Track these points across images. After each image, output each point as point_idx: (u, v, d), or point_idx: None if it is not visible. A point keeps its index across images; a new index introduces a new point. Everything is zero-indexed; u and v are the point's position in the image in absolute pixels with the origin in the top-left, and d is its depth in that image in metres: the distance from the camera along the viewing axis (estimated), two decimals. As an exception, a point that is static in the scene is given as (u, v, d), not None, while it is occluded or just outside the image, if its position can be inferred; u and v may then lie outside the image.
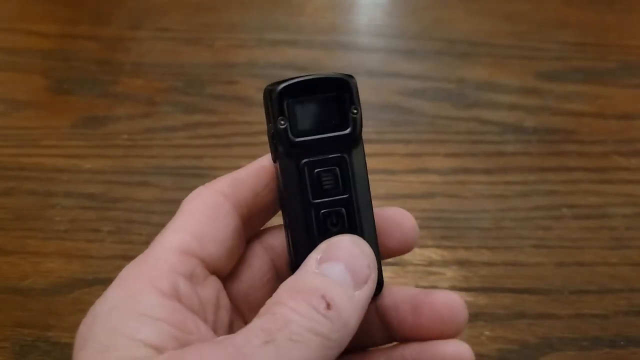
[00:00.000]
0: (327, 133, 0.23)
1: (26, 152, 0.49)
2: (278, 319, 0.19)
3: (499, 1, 0.66)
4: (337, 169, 0.24)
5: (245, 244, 0.25)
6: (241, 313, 0.25)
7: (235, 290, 0.25)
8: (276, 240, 0.26)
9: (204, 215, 0.23)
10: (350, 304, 0.21)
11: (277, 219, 0.26)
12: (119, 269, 0.41)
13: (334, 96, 0.23)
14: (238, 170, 0.25)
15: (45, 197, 0.46)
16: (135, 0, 0.67)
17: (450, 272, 0.40)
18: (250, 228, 0.25)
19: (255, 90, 0.55)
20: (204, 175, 0.46)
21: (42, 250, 0.42)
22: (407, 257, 0.41)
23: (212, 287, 0.23)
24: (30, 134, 0.51)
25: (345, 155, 0.24)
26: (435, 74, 0.57)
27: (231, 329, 0.23)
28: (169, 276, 0.21)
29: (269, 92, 0.23)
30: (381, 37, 0.63)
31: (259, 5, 0.65)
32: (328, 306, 0.20)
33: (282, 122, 0.23)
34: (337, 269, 0.21)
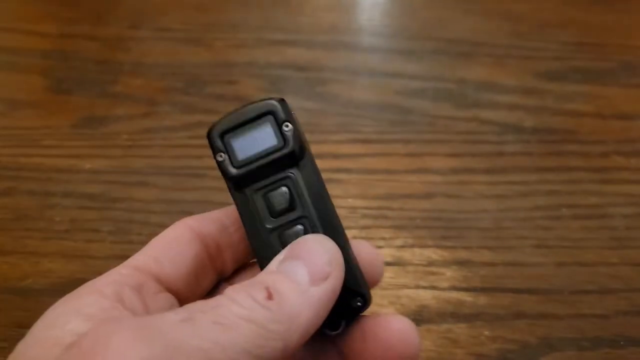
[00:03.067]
0: (267, 157, 0.24)
1: (26, 152, 0.49)
2: (208, 303, 0.19)
3: (499, 1, 0.66)
4: (285, 188, 0.24)
5: (217, 280, 0.26)
6: None
7: None
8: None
9: (164, 241, 0.24)
10: (300, 297, 0.20)
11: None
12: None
13: (264, 121, 0.24)
14: (211, 211, 0.26)
15: (45, 197, 0.46)
16: (135, 0, 0.67)
17: (450, 272, 0.40)
18: (221, 263, 0.26)
19: (255, 90, 0.55)
20: (203, 175, 0.46)
21: (42, 251, 0.42)
22: (407, 257, 0.41)
23: (164, 302, 0.23)
24: (30, 134, 0.51)
25: (291, 173, 0.24)
26: (435, 74, 0.57)
27: None
28: (114, 284, 0.22)
29: (207, 134, 0.24)
30: (381, 37, 0.63)
31: (258, 5, 0.65)
32: (269, 296, 0.19)
33: (221, 157, 0.24)
34: (294, 265, 0.21)
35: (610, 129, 0.51)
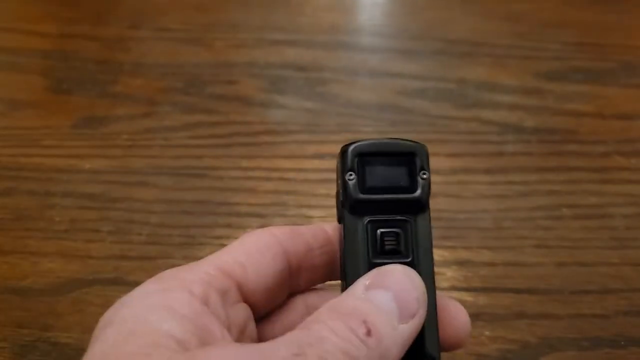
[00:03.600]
0: (394, 194, 0.23)
1: (26, 152, 0.49)
2: (312, 334, 0.19)
3: (499, 1, 0.66)
4: (401, 231, 0.23)
5: (287, 295, 0.25)
6: None
7: (265, 333, 0.24)
8: (321, 302, 0.25)
9: (253, 248, 0.24)
10: (392, 335, 0.20)
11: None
12: (118, 269, 0.41)
13: (404, 160, 0.24)
14: (298, 225, 0.25)
15: (44, 197, 0.45)
16: (135, 0, 0.67)
17: (450, 272, 0.40)
18: (296, 281, 0.25)
19: (255, 90, 0.55)
20: (203, 175, 0.46)
21: (42, 250, 0.42)
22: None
23: (242, 312, 0.23)
24: (30, 134, 0.51)
25: (411, 219, 0.24)
26: (436, 74, 0.57)
27: None
28: (203, 284, 0.21)
29: (342, 151, 0.24)
30: (381, 37, 0.63)
31: (258, 5, 0.65)
32: (368, 332, 0.19)
33: (351, 177, 0.23)
34: (384, 296, 0.21)
35: (611, 129, 0.51)
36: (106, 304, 0.40)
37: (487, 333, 0.37)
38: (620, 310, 0.38)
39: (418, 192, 0.24)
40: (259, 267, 0.23)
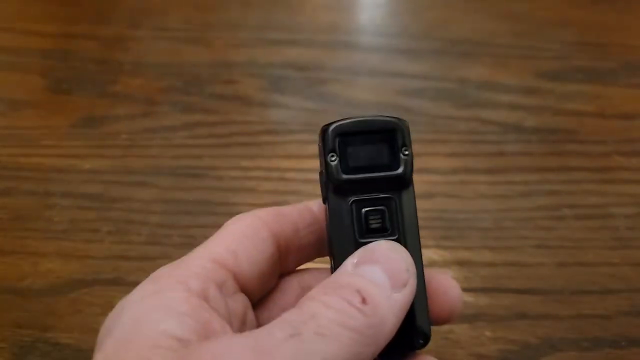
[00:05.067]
0: (377, 172, 0.23)
1: (25, 152, 0.49)
2: (304, 312, 0.19)
3: (499, 1, 0.66)
4: (386, 209, 0.23)
5: (278, 278, 0.25)
6: None
7: (262, 318, 0.24)
8: (315, 281, 0.25)
9: (241, 235, 0.23)
10: (388, 303, 0.20)
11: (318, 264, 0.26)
12: (118, 269, 0.41)
13: (386, 137, 0.23)
14: (283, 206, 0.25)
15: (44, 197, 0.45)
16: (135, 0, 0.67)
17: (450, 272, 0.40)
18: (285, 263, 0.25)
19: (254, 90, 0.55)
20: (203, 175, 0.46)
21: (41, 251, 0.42)
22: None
23: (240, 303, 0.23)
24: (29, 134, 0.51)
25: (395, 197, 0.23)
26: (436, 73, 0.57)
27: None
28: (200, 279, 0.21)
29: (323, 131, 0.23)
30: (381, 37, 0.63)
31: (258, 5, 0.65)
32: (364, 300, 0.19)
33: (333, 158, 0.23)
34: (374, 269, 0.21)
35: (611, 128, 0.51)
36: (106, 304, 0.40)
37: (487, 333, 0.37)
38: (621, 310, 0.38)
39: (401, 169, 0.23)
40: (250, 254, 0.23)
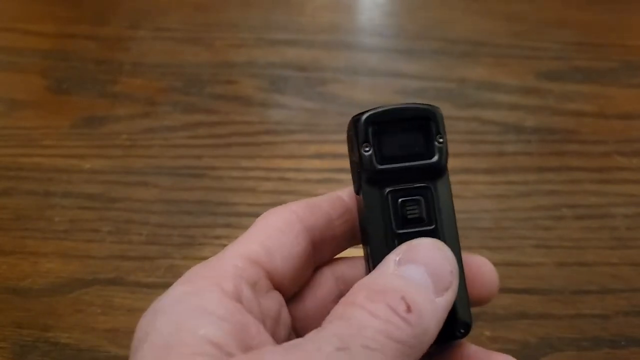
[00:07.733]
0: (412, 162, 0.23)
1: (25, 152, 0.49)
2: (352, 324, 0.18)
3: (499, 1, 0.66)
4: (422, 199, 0.23)
5: (313, 270, 0.25)
6: (299, 336, 0.24)
7: (297, 312, 0.24)
8: (349, 272, 0.25)
9: (275, 230, 0.23)
10: (431, 309, 0.19)
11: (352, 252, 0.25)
12: (118, 269, 0.41)
13: (419, 125, 0.23)
14: (314, 197, 0.25)
15: (44, 197, 0.45)
16: (135, 0, 0.67)
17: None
18: (319, 255, 0.25)
19: (254, 90, 0.55)
20: (203, 175, 0.46)
21: (41, 251, 0.42)
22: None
23: (274, 301, 0.22)
24: (30, 134, 0.51)
25: (431, 185, 0.23)
26: (435, 73, 0.57)
27: None
28: (234, 279, 0.21)
29: (354, 121, 0.23)
30: (381, 37, 0.63)
31: (258, 5, 0.65)
32: (408, 308, 0.19)
33: (367, 149, 0.22)
34: (417, 271, 0.20)
35: (611, 128, 0.51)
36: (106, 304, 0.40)
37: (487, 333, 0.37)
38: (621, 310, 0.38)
39: (435, 157, 0.23)
40: (284, 250, 0.23)
